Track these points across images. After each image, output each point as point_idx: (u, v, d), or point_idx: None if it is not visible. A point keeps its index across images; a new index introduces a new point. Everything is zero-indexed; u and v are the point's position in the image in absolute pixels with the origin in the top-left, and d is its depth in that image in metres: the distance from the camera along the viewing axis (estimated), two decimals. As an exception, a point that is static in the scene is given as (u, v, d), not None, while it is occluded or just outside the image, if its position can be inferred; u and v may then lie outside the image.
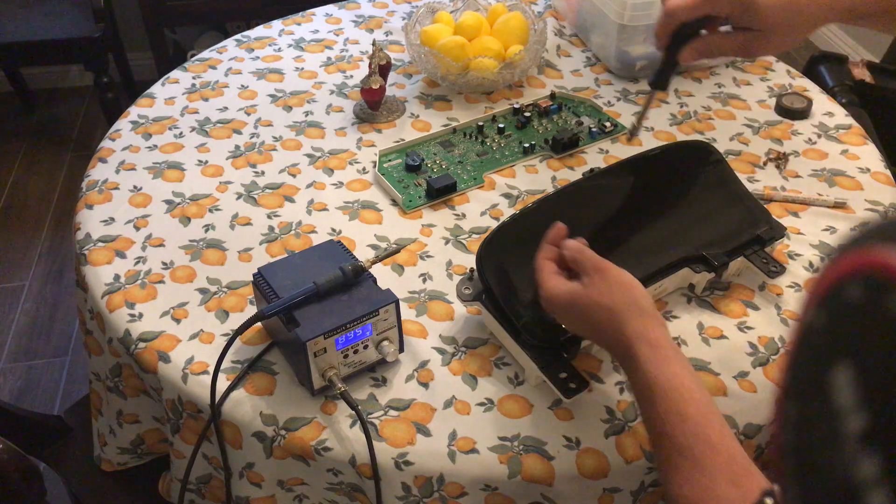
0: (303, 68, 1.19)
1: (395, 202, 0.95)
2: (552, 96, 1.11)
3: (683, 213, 0.82)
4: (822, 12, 0.67)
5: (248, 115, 1.09)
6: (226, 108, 1.10)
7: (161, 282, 0.84)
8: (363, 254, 0.87)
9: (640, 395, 0.60)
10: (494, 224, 0.90)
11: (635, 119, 0.81)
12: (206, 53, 1.23)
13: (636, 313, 0.62)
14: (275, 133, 1.06)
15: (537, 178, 0.98)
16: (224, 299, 0.82)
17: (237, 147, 1.03)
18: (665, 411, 0.57)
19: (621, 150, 1.03)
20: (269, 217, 0.92)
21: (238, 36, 1.27)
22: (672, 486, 0.55)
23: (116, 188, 0.97)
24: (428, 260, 0.87)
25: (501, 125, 1.05)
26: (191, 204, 0.94)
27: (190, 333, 0.79)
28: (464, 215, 0.93)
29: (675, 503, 0.55)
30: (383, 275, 0.84)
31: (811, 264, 0.86)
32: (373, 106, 1.07)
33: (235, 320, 0.80)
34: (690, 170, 0.85)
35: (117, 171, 0.99)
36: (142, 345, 0.78)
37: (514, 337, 0.72)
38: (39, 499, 0.81)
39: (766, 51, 0.70)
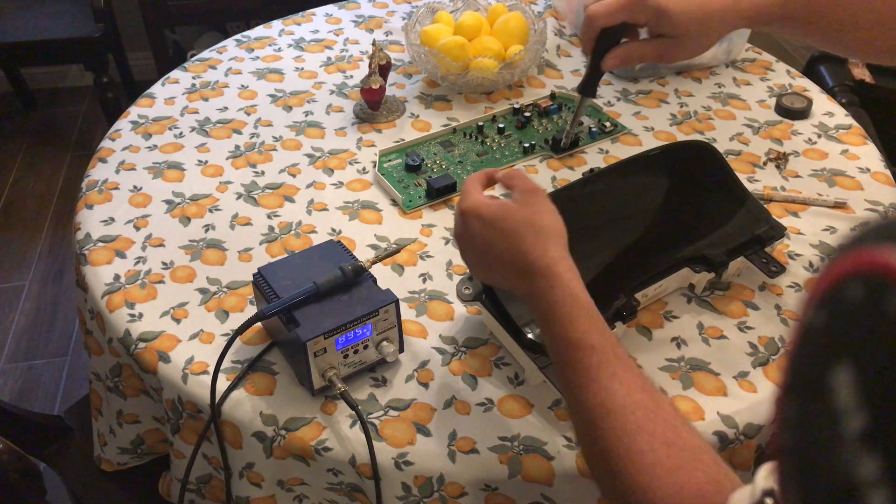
0: (303, 68, 1.19)
1: (395, 202, 0.95)
2: (552, 96, 1.11)
3: (683, 212, 0.82)
4: (730, 18, 0.71)
5: (248, 115, 1.09)
6: (226, 108, 1.10)
7: (161, 282, 0.84)
8: (363, 254, 0.87)
9: (559, 311, 0.58)
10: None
11: (567, 128, 0.82)
12: (206, 53, 1.23)
13: (562, 243, 0.62)
14: (275, 133, 1.06)
15: (537, 178, 0.98)
16: (224, 299, 0.82)
17: (237, 147, 1.03)
18: (590, 328, 0.57)
19: (622, 150, 1.03)
20: (269, 217, 0.92)
21: (238, 36, 1.27)
22: (589, 394, 0.54)
23: (116, 188, 0.97)
24: (428, 260, 0.87)
25: (501, 125, 1.05)
26: (191, 204, 0.94)
27: (190, 333, 0.79)
28: (464, 215, 0.93)
29: (591, 411, 0.54)
30: (383, 275, 0.84)
31: (811, 264, 0.86)
32: (373, 106, 1.07)
33: (235, 320, 0.80)
34: (690, 170, 0.85)
35: (117, 171, 0.99)
36: (142, 345, 0.78)
37: (514, 337, 0.72)
38: (39, 499, 0.81)
39: (682, 56, 0.74)
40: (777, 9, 0.71)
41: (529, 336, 0.71)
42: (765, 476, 0.43)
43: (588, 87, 0.76)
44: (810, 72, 1.41)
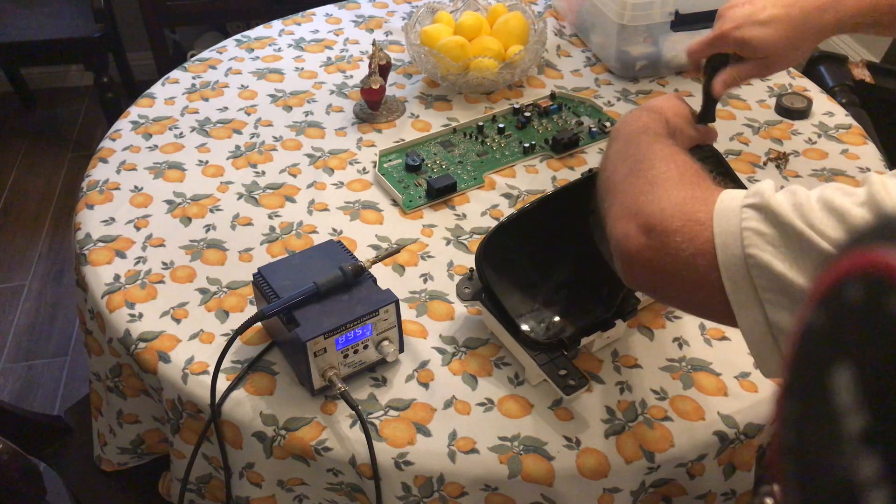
0: (303, 68, 1.19)
1: (395, 202, 0.95)
2: (552, 96, 1.11)
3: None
4: (814, 35, 0.74)
5: (249, 115, 1.09)
6: (226, 108, 1.10)
7: (161, 282, 0.84)
8: (364, 254, 0.87)
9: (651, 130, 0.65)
10: (495, 224, 0.90)
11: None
12: (206, 53, 1.23)
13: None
14: (275, 133, 1.06)
15: (537, 178, 0.98)
16: (224, 299, 0.82)
17: (237, 147, 1.03)
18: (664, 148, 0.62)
19: (621, 150, 1.03)
20: (270, 217, 0.92)
21: (238, 36, 1.27)
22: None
23: (117, 188, 0.97)
24: (429, 260, 0.87)
25: (501, 125, 1.05)
26: (191, 204, 0.94)
27: (190, 333, 0.79)
28: (464, 215, 0.93)
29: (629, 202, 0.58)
30: (384, 275, 0.84)
31: (811, 264, 0.86)
32: (373, 106, 1.07)
33: (235, 320, 0.80)
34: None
35: (118, 171, 0.99)
36: (142, 345, 0.78)
37: (513, 335, 0.72)
38: (39, 499, 0.81)
39: (777, 70, 0.79)
40: (861, 18, 0.73)
41: (528, 333, 0.71)
42: (757, 190, 0.50)
43: (703, 114, 0.80)
44: (810, 72, 1.41)
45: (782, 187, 0.51)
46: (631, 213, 0.56)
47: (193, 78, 1.17)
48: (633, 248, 0.55)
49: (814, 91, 1.14)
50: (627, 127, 0.68)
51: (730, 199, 0.52)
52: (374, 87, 1.05)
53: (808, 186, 0.97)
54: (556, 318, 0.72)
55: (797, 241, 0.47)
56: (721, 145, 1.03)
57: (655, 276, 0.55)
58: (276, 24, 1.30)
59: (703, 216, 0.52)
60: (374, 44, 1.06)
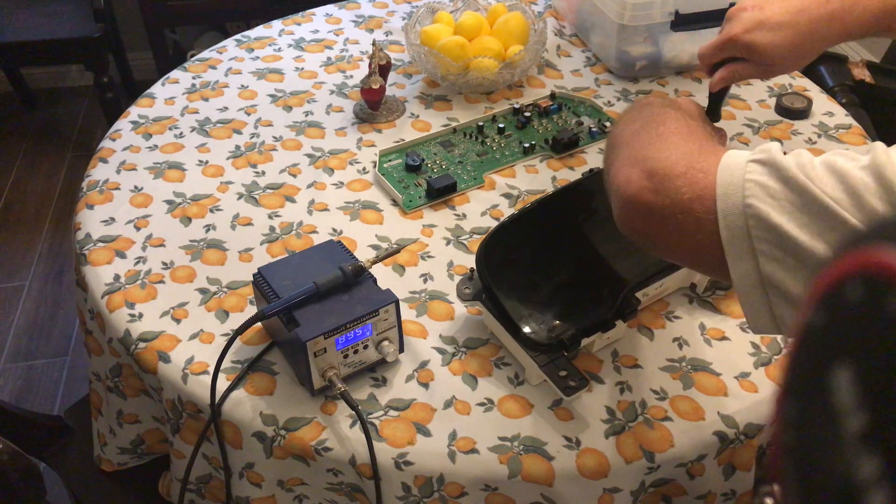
0: (303, 68, 1.19)
1: (395, 202, 0.95)
2: (552, 96, 1.11)
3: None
4: (821, 42, 0.76)
5: (249, 115, 1.09)
6: (226, 108, 1.10)
7: (161, 282, 0.84)
8: (364, 254, 0.87)
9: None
10: (495, 224, 0.90)
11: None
12: (206, 53, 1.23)
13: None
14: (275, 133, 1.06)
15: (537, 178, 0.98)
16: (224, 299, 0.82)
17: (237, 147, 1.03)
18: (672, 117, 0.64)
19: (621, 150, 1.03)
20: (270, 217, 0.92)
21: (238, 36, 1.27)
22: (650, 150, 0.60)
23: (117, 188, 0.97)
24: (429, 260, 0.87)
25: (501, 125, 1.05)
26: (192, 204, 0.94)
27: (190, 333, 0.79)
28: (464, 215, 0.93)
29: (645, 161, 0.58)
30: (384, 275, 0.84)
31: (811, 264, 0.86)
32: (373, 106, 1.07)
33: (235, 320, 0.80)
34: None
35: (118, 171, 0.99)
36: (142, 345, 0.78)
37: (513, 335, 0.72)
38: (39, 499, 0.81)
39: (779, 74, 0.81)
40: (870, 26, 0.74)
41: (529, 334, 0.71)
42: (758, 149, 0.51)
43: (710, 113, 0.83)
44: (810, 72, 1.41)
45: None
46: (636, 161, 0.57)
47: (193, 78, 1.17)
48: (633, 190, 0.56)
49: (814, 91, 1.14)
50: (641, 103, 0.70)
51: (736, 154, 0.53)
52: (374, 87, 1.05)
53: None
54: (557, 319, 0.72)
55: (799, 195, 0.48)
56: (721, 145, 1.03)
57: (651, 219, 0.56)
58: (276, 24, 1.30)
59: (706, 165, 0.53)
60: (374, 44, 1.06)
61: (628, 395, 0.73)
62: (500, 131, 1.05)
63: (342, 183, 0.97)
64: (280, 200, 0.95)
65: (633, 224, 0.58)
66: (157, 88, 1.15)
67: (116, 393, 0.86)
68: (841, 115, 1.09)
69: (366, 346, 0.72)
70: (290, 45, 1.24)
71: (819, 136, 1.05)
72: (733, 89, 1.14)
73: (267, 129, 1.06)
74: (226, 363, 0.74)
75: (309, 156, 1.02)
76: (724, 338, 0.78)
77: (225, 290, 0.83)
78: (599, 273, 0.76)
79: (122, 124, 1.08)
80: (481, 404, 0.72)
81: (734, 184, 0.51)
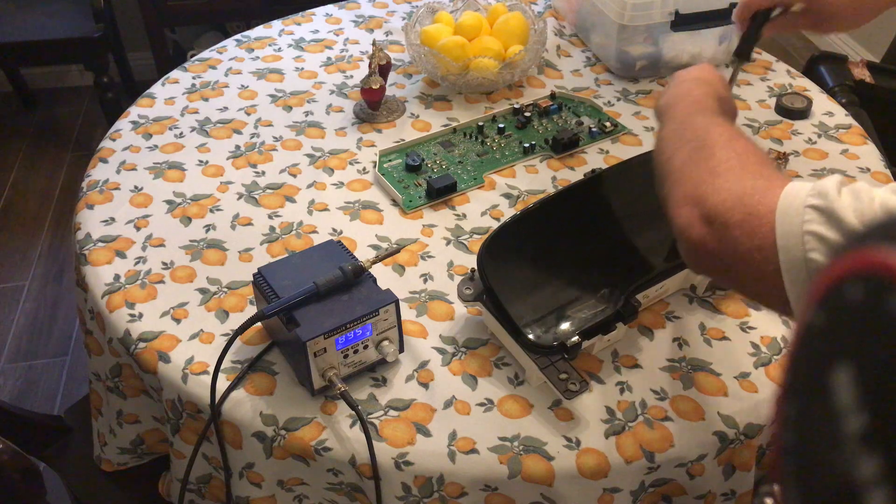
0: (303, 68, 1.19)
1: (395, 202, 0.95)
2: (552, 96, 1.11)
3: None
4: (881, 7, 0.74)
5: (249, 115, 1.09)
6: (226, 108, 1.10)
7: (161, 282, 0.84)
8: (364, 254, 0.87)
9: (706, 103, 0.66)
10: (495, 224, 0.90)
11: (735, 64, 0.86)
12: (206, 53, 1.23)
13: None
14: (275, 133, 1.06)
15: (537, 178, 0.98)
16: (224, 299, 0.82)
17: (237, 147, 1.03)
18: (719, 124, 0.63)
19: (622, 151, 1.03)
20: (270, 217, 0.92)
21: (238, 36, 1.27)
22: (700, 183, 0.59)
23: (117, 188, 0.97)
24: (429, 260, 0.87)
25: (501, 125, 1.05)
26: (192, 204, 0.94)
27: (190, 333, 0.79)
28: (464, 215, 0.93)
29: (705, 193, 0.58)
30: (384, 275, 0.84)
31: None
32: (373, 106, 1.07)
33: (235, 320, 0.80)
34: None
35: (118, 171, 0.99)
36: (142, 345, 0.78)
37: (514, 337, 0.72)
38: (39, 499, 0.81)
39: (835, 30, 0.78)
40: None
41: (530, 336, 0.71)
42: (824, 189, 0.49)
43: (745, 50, 0.80)
44: (810, 72, 1.41)
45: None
46: (692, 201, 0.57)
47: (193, 78, 1.17)
48: (696, 238, 0.56)
49: (814, 91, 1.14)
50: (680, 104, 0.67)
51: (793, 195, 0.51)
52: (374, 87, 1.05)
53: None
54: (558, 321, 0.72)
55: None
56: (721, 145, 1.03)
57: (717, 265, 0.56)
58: (276, 24, 1.30)
59: (763, 209, 0.52)
60: (374, 44, 1.06)
61: (628, 395, 0.73)
62: (500, 131, 1.05)
63: (342, 183, 0.97)
64: (280, 200, 0.95)
65: (703, 267, 0.59)
66: (157, 88, 1.15)
67: (116, 393, 0.86)
68: (841, 115, 1.09)
69: (366, 346, 0.72)
70: (290, 45, 1.24)
71: (819, 135, 1.05)
72: (733, 89, 1.14)
73: (267, 129, 1.06)
74: (226, 363, 0.74)
75: (309, 156, 1.02)
76: (724, 338, 0.78)
77: (225, 290, 0.83)
78: (600, 275, 0.76)
79: (122, 124, 1.08)
80: (481, 404, 0.72)
81: (793, 234, 0.49)
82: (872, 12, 0.75)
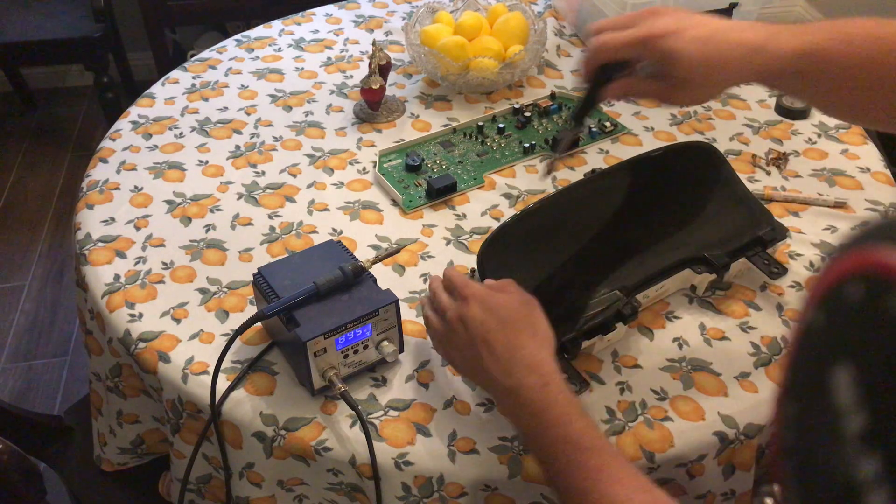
0: (303, 68, 1.19)
1: (395, 202, 0.95)
2: (552, 96, 1.11)
3: (685, 213, 0.82)
4: (739, 74, 0.67)
5: (249, 115, 1.09)
6: (226, 108, 1.10)
7: (161, 282, 0.84)
8: (364, 254, 0.87)
9: (554, 410, 0.60)
10: (495, 224, 0.90)
11: (551, 158, 0.77)
12: (206, 53, 1.23)
13: (552, 350, 0.65)
14: (275, 133, 1.06)
15: (537, 178, 0.98)
16: (224, 299, 0.82)
17: (237, 147, 1.03)
18: (586, 427, 0.59)
19: (622, 151, 1.03)
20: (270, 217, 0.92)
21: (238, 36, 1.27)
22: (590, 499, 0.56)
23: (117, 188, 0.97)
24: (429, 260, 0.87)
25: (501, 125, 1.05)
26: (192, 204, 0.94)
27: (190, 333, 0.79)
28: (464, 215, 0.93)
29: None
30: (384, 275, 0.84)
31: (812, 264, 0.86)
32: (373, 106, 1.07)
33: (235, 320, 0.80)
34: (692, 171, 0.85)
35: (118, 171, 0.99)
36: (142, 345, 0.78)
37: (514, 337, 0.72)
38: (39, 499, 0.81)
39: (682, 102, 0.70)
40: (790, 63, 0.65)
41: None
42: None
43: (581, 115, 0.73)
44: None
45: None
46: None
47: (193, 78, 1.17)
48: None
49: (814, 91, 1.14)
50: (536, 433, 0.60)
51: None
52: (374, 87, 1.05)
53: (808, 186, 0.96)
54: (558, 321, 0.72)
55: None
56: (721, 145, 1.03)
57: None
58: (276, 24, 1.30)
59: None
60: (374, 44, 1.06)
61: (628, 395, 0.73)
62: (500, 131, 1.05)
63: (342, 183, 0.97)
64: (280, 200, 0.95)
65: None
66: (157, 88, 1.15)
67: (116, 393, 0.86)
68: (841, 115, 1.09)
69: (366, 346, 0.72)
70: (290, 45, 1.24)
71: (819, 135, 1.05)
72: (733, 89, 1.14)
73: (267, 129, 1.06)
74: (226, 363, 0.74)
75: (309, 156, 1.02)
76: (724, 338, 0.78)
77: (225, 290, 0.83)
78: (600, 275, 0.76)
79: (122, 124, 1.08)
80: (481, 404, 0.72)
81: None
82: (721, 86, 0.68)
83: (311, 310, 0.70)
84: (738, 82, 0.68)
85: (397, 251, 0.80)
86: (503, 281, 0.69)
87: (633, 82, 0.70)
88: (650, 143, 1.04)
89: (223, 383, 0.73)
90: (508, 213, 0.93)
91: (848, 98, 0.67)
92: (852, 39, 0.63)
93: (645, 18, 0.67)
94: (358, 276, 0.73)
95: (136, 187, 0.97)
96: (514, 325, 0.64)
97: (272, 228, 0.91)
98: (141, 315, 0.80)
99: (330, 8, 1.36)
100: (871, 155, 1.02)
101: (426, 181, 0.95)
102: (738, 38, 0.65)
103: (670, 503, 0.55)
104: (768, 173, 0.98)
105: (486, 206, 0.94)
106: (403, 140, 1.03)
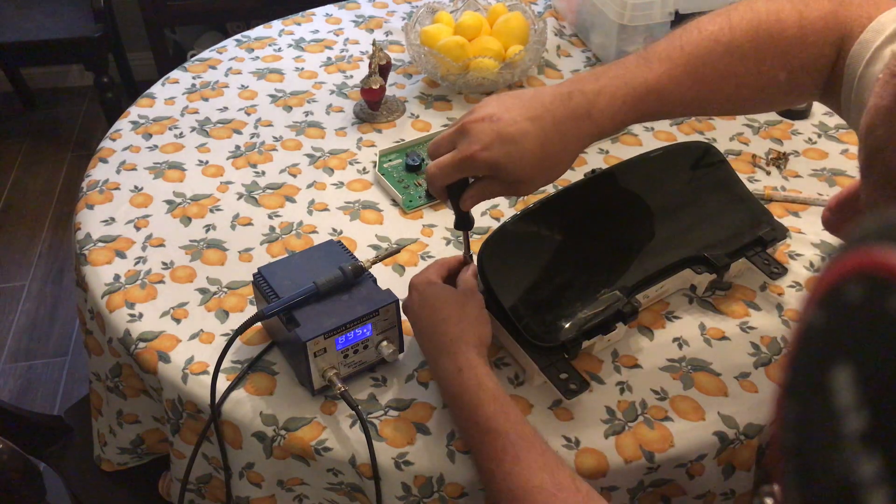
0: (303, 68, 1.19)
1: (395, 202, 0.95)
2: (552, 96, 1.11)
3: (685, 213, 0.82)
4: (571, 148, 0.67)
5: (249, 115, 1.09)
6: (226, 108, 1.10)
7: (161, 282, 0.84)
8: (364, 254, 0.87)
9: (466, 396, 0.65)
10: (495, 224, 0.90)
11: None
12: (206, 53, 1.23)
13: (477, 343, 0.69)
14: (275, 133, 1.06)
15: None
16: (224, 299, 0.82)
17: (237, 147, 1.03)
18: (495, 412, 0.63)
19: (621, 151, 1.03)
20: (270, 217, 0.92)
21: (238, 36, 1.27)
22: (496, 480, 0.61)
23: (117, 188, 0.97)
24: (429, 260, 0.87)
25: (501, 125, 1.05)
26: (192, 204, 0.94)
27: (190, 333, 0.79)
28: (464, 215, 0.93)
29: (499, 495, 0.61)
30: (384, 275, 0.84)
31: (812, 264, 0.86)
32: (373, 106, 1.07)
33: (235, 320, 0.80)
34: (692, 171, 0.85)
35: (118, 171, 0.99)
36: (142, 345, 0.78)
37: (514, 337, 0.72)
38: (39, 499, 0.81)
39: (530, 191, 0.70)
40: (623, 115, 0.66)
41: (530, 336, 0.71)
42: None
43: (462, 222, 0.74)
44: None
45: None
46: None
47: (193, 78, 1.17)
48: None
49: (814, 91, 1.14)
50: (453, 416, 0.69)
51: None
52: (374, 87, 1.05)
53: (808, 186, 0.96)
54: (558, 321, 0.72)
55: None
56: (721, 145, 1.03)
57: None
58: (276, 24, 1.31)
59: None
60: (374, 44, 1.06)
61: (628, 395, 0.73)
62: (500, 131, 1.05)
63: (342, 183, 0.97)
64: (280, 200, 0.95)
65: None
66: (157, 88, 1.15)
67: (116, 393, 0.86)
68: (841, 115, 1.09)
69: (366, 346, 0.72)
70: (290, 45, 1.24)
71: (819, 135, 1.05)
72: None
73: (267, 129, 1.06)
74: (226, 363, 0.74)
75: (309, 156, 1.02)
76: (724, 338, 0.78)
77: (225, 290, 0.83)
78: (600, 275, 0.76)
79: (122, 124, 1.08)
80: (481, 404, 0.72)
81: None
82: (558, 170, 0.68)
83: (311, 310, 0.70)
84: (582, 149, 0.68)
85: (397, 251, 0.80)
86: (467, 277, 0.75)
87: (482, 189, 0.69)
88: (650, 143, 1.04)
89: (223, 383, 0.73)
90: (508, 213, 0.93)
91: (700, 103, 0.69)
92: (674, 57, 0.66)
93: (464, 134, 0.66)
94: (358, 276, 0.73)
95: (136, 187, 0.97)
96: (440, 312, 0.69)
97: (272, 228, 0.91)
98: (141, 315, 0.80)
99: (330, 8, 1.36)
100: (871, 155, 1.02)
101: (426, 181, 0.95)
102: (563, 113, 0.65)
103: (574, 483, 0.59)
104: (768, 173, 0.98)
105: (486, 206, 0.94)
106: (403, 140, 1.03)
